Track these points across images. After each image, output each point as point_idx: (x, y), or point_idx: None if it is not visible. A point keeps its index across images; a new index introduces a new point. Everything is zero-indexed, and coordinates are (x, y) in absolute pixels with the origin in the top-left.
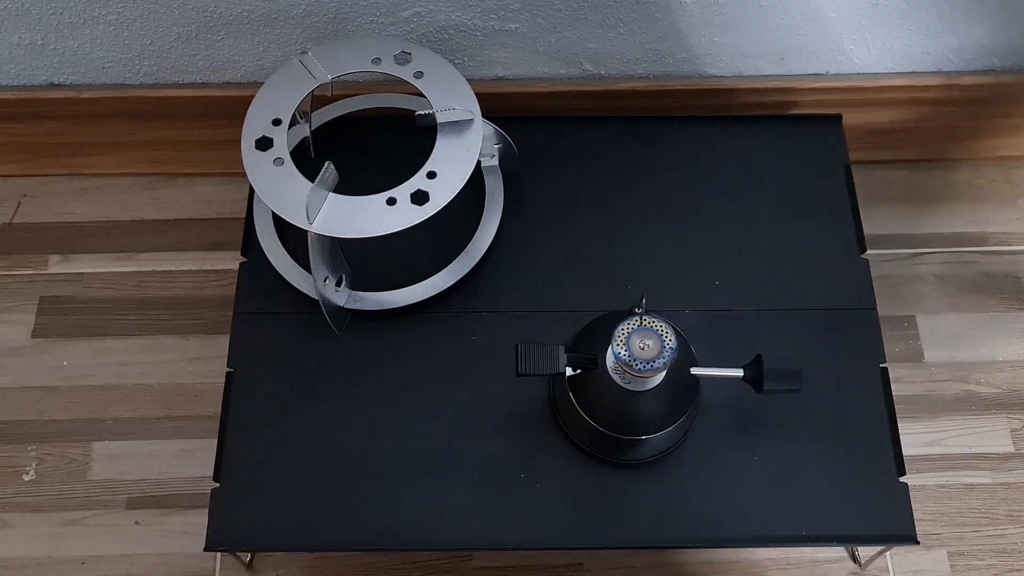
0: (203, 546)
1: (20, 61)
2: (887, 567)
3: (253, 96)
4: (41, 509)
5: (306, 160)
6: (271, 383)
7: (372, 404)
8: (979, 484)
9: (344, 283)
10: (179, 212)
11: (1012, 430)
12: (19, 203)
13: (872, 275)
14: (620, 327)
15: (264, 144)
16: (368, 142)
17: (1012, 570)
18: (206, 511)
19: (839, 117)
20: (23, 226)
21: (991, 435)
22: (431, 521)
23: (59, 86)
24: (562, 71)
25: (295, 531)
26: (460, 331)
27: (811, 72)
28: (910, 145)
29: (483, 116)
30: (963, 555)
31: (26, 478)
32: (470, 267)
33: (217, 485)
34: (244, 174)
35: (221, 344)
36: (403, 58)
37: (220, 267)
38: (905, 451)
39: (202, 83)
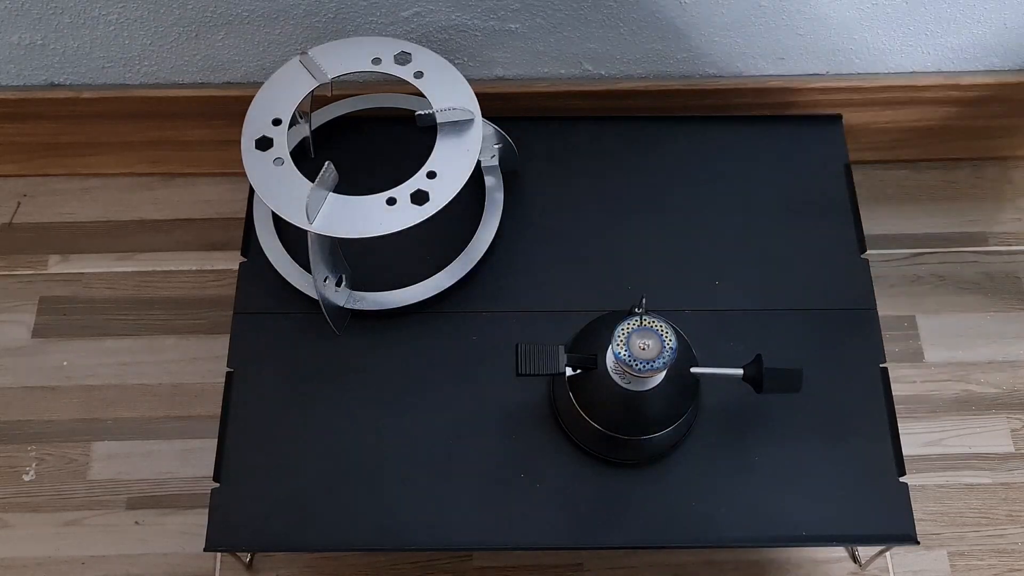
0: (203, 546)
1: (20, 61)
2: (887, 567)
3: (253, 96)
4: (41, 509)
5: (306, 160)
6: (271, 383)
7: (372, 404)
8: (979, 484)
9: (344, 283)
10: (179, 212)
11: (1012, 430)
12: (19, 203)
13: (872, 275)
14: (620, 327)
15: (264, 144)
16: (368, 142)
17: (1012, 570)
18: (206, 511)
19: (839, 117)
20: (23, 226)
21: (991, 435)
22: (431, 521)
23: (59, 86)
24: (562, 71)
25: (295, 531)
26: (460, 331)
27: (811, 72)
28: (910, 145)
29: (483, 116)
30: (963, 555)
31: (26, 478)
32: (470, 267)
33: (217, 485)
34: (244, 174)
35: (221, 344)
36: (403, 58)
37: (220, 267)
38: (905, 451)
39: (202, 83)
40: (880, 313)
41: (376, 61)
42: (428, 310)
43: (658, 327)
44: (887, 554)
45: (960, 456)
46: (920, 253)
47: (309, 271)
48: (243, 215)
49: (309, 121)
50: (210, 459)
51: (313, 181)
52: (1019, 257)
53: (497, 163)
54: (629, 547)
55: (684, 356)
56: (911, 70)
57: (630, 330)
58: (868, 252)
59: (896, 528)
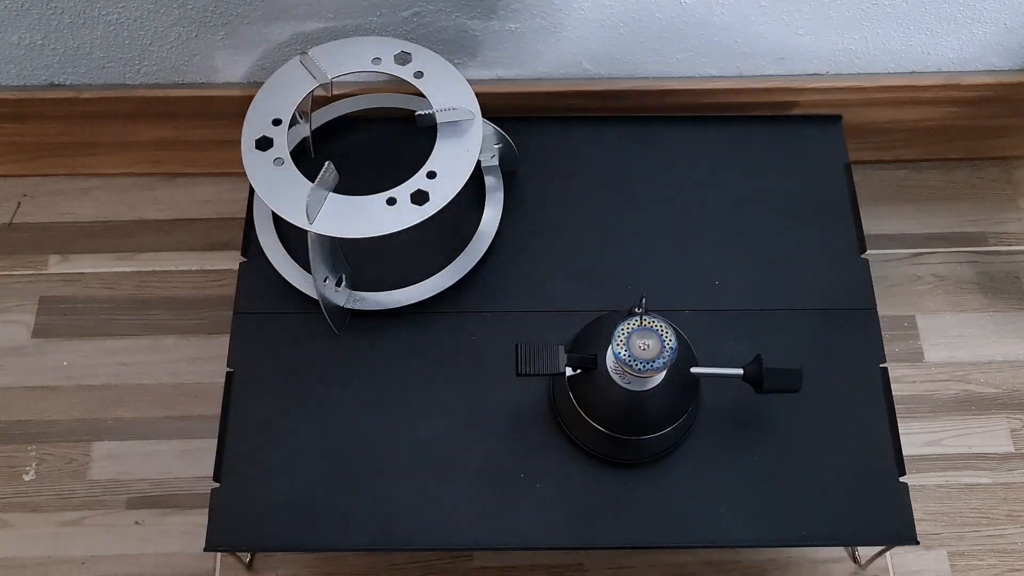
0: (203, 546)
1: (20, 61)
2: (887, 567)
3: (253, 96)
4: (41, 509)
5: (306, 160)
6: (271, 383)
7: (372, 404)
8: (979, 484)
9: (344, 283)
10: (179, 212)
11: (1012, 430)
12: (19, 203)
13: (872, 275)
14: (620, 327)
15: (264, 144)
16: (368, 142)
17: (1012, 570)
18: (206, 511)
19: (839, 117)
20: (23, 226)
21: (991, 435)
22: (431, 521)
23: (59, 86)
24: (562, 71)
25: (295, 531)
26: (460, 331)
27: (811, 72)
28: (910, 145)
29: (483, 116)
30: (963, 555)
31: (26, 478)
32: (470, 267)
33: (217, 485)
34: (244, 174)
35: (221, 344)
36: (403, 58)
37: (220, 267)
38: (905, 451)
39: (202, 83)
40: (880, 313)
41: (376, 61)
42: (428, 310)
43: (658, 327)
44: (887, 554)
45: (960, 456)
46: (920, 253)
47: (309, 271)
48: (243, 215)
49: (309, 121)
50: (210, 459)
51: (313, 181)
52: (1019, 257)
53: (497, 163)
54: (629, 547)
55: (684, 356)
56: (911, 70)
57: (630, 330)
58: (868, 252)
59: (896, 528)
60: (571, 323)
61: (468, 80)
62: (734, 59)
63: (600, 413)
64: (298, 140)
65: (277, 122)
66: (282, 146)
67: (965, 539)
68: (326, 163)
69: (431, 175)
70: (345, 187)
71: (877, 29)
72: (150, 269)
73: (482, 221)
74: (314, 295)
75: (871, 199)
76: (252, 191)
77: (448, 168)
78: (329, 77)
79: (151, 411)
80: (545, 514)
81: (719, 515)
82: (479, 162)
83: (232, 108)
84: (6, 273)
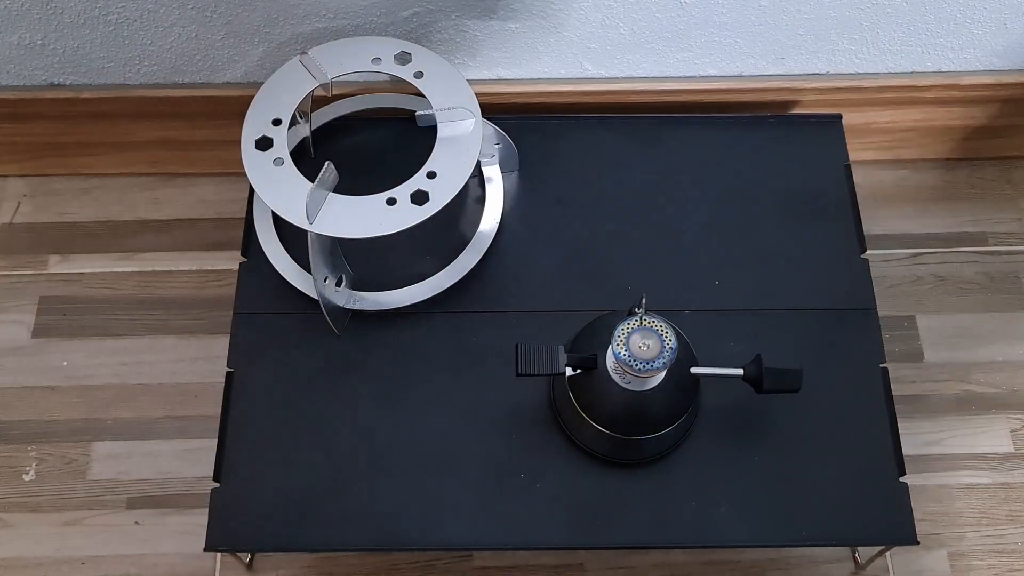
0: (203, 546)
1: (20, 61)
2: (887, 567)
3: (253, 96)
4: (41, 509)
5: (306, 160)
6: (271, 383)
7: (372, 404)
8: (979, 484)
9: (344, 283)
10: (179, 212)
11: (1012, 430)
12: (19, 203)
13: (872, 275)
14: (620, 327)
15: (264, 144)
16: (368, 142)
17: (1012, 570)
18: (206, 511)
19: (839, 117)
20: (23, 226)
21: (991, 435)
22: (431, 521)
23: (59, 86)
24: (562, 71)
25: (295, 531)
26: (460, 331)
27: (811, 72)
28: (910, 145)
29: (483, 116)
30: (963, 555)
31: (26, 478)
32: (470, 267)
33: (217, 485)
34: (244, 174)
35: (221, 344)
36: (403, 58)
37: (220, 267)
38: (905, 451)
39: (202, 83)
40: (880, 313)
41: (376, 61)
42: (428, 310)
43: (658, 327)
44: (887, 554)
45: (960, 456)
46: (920, 253)
47: (309, 271)
48: (243, 215)
49: (309, 121)
50: (210, 459)
51: (313, 181)
52: (1019, 257)
53: (497, 163)
54: (629, 547)
55: (684, 356)
56: (911, 70)
57: (630, 330)
58: (868, 252)
59: (896, 528)
60: (571, 323)
61: (468, 80)
62: (734, 59)
63: (600, 413)
64: (298, 140)
65: (277, 122)
66: (282, 146)
67: (965, 539)
68: (326, 163)
69: (431, 175)
70: (345, 187)
71: (877, 29)
72: (150, 269)
73: (482, 221)
74: (314, 295)
75: (871, 199)
76: (252, 191)
77: (448, 168)
78: (329, 77)
79: (151, 411)
80: (545, 514)
81: (719, 515)
82: (479, 162)
83: (232, 108)
84: (6, 273)
